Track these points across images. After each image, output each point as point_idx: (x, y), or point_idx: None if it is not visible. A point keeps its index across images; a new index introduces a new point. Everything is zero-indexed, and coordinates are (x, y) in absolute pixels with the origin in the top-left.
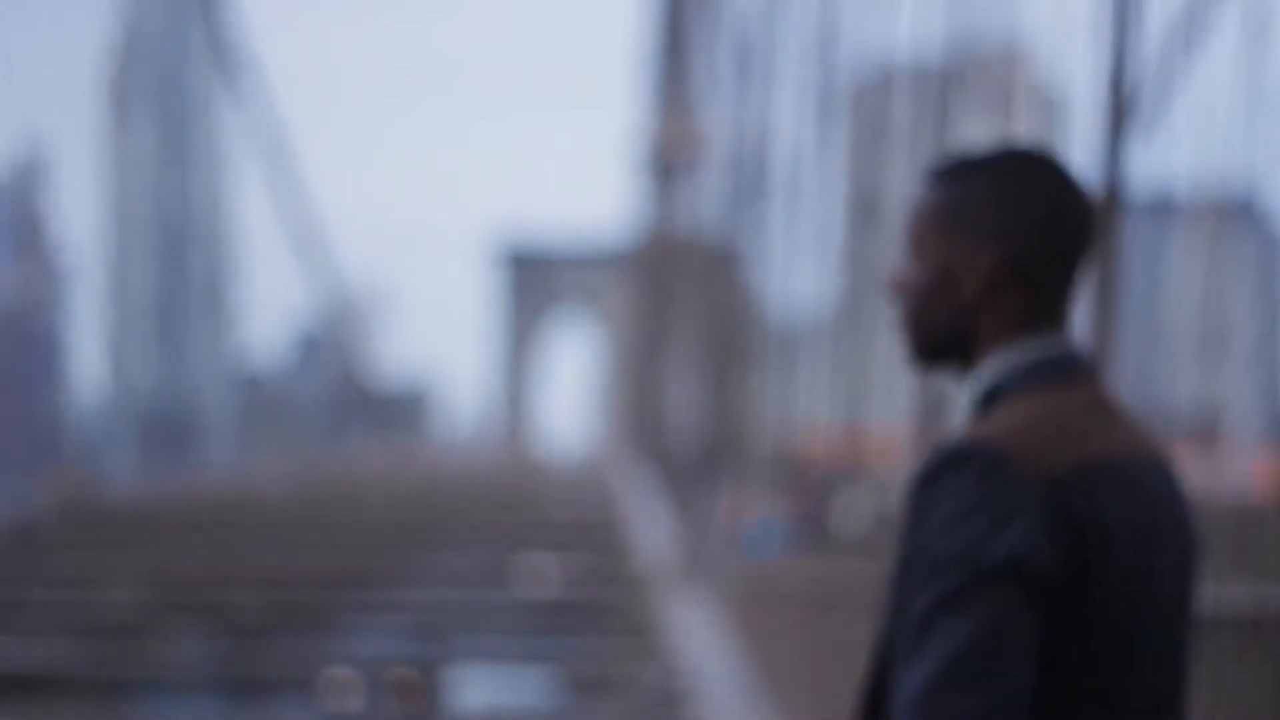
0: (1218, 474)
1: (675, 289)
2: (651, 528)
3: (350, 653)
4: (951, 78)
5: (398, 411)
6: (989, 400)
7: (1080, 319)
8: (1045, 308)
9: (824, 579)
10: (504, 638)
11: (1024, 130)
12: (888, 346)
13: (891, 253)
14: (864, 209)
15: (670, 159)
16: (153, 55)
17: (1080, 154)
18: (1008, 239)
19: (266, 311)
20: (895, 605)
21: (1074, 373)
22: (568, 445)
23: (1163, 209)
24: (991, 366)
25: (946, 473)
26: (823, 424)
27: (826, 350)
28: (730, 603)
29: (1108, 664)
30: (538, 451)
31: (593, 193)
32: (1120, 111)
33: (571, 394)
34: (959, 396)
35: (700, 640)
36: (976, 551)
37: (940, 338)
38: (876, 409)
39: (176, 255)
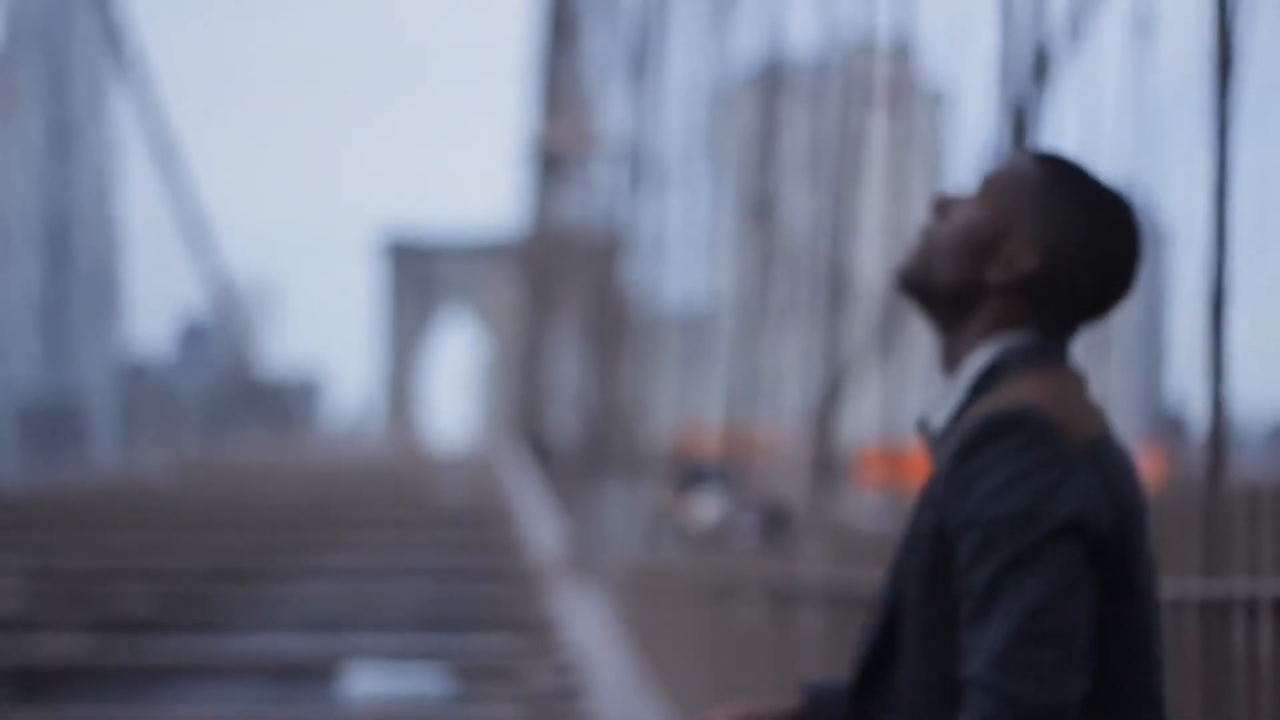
0: None
1: (560, 282)
2: (537, 522)
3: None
4: (844, 74)
5: (283, 404)
6: (988, 374)
7: None
8: (1044, 328)
9: (713, 571)
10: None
11: (915, 124)
12: (779, 344)
13: (782, 251)
14: (756, 204)
15: (557, 153)
16: (39, 44)
17: (970, 148)
18: (1055, 262)
19: (152, 305)
20: (910, 572)
21: (1068, 355)
22: (453, 436)
23: None
24: (991, 347)
25: (996, 438)
26: (705, 419)
27: (715, 345)
28: (617, 595)
29: (1141, 633)
30: (423, 443)
31: (481, 188)
32: (1017, 106)
33: (457, 385)
34: (851, 392)
35: (588, 633)
36: (1040, 509)
37: (940, 285)
38: (764, 406)
39: (61, 247)
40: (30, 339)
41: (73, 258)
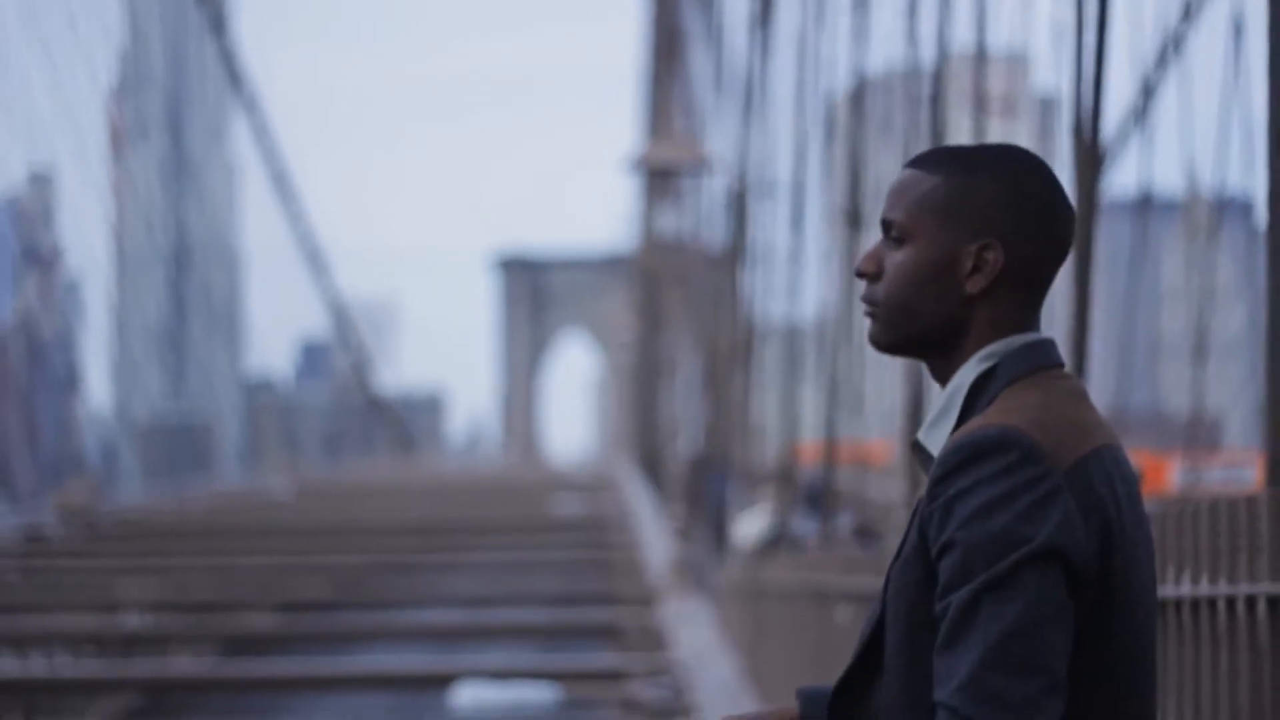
0: (1223, 478)
1: (672, 297)
2: (651, 538)
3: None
4: (939, 82)
5: (403, 422)
6: (978, 387)
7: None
8: (1033, 308)
9: (812, 580)
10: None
11: (1014, 133)
12: (869, 357)
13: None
14: (848, 217)
15: (665, 168)
16: (158, 71)
17: (1062, 159)
18: (1015, 240)
19: (272, 325)
20: (896, 590)
21: (1059, 361)
22: (569, 450)
23: (1149, 208)
24: (980, 359)
25: (978, 460)
26: (809, 433)
27: (815, 360)
28: (727, 607)
29: (1124, 653)
30: (541, 460)
31: (594, 203)
32: (1095, 116)
33: (572, 398)
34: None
35: (698, 646)
36: (1019, 535)
37: (926, 327)
38: (859, 420)
39: (183, 271)
40: (153, 362)
41: (194, 281)
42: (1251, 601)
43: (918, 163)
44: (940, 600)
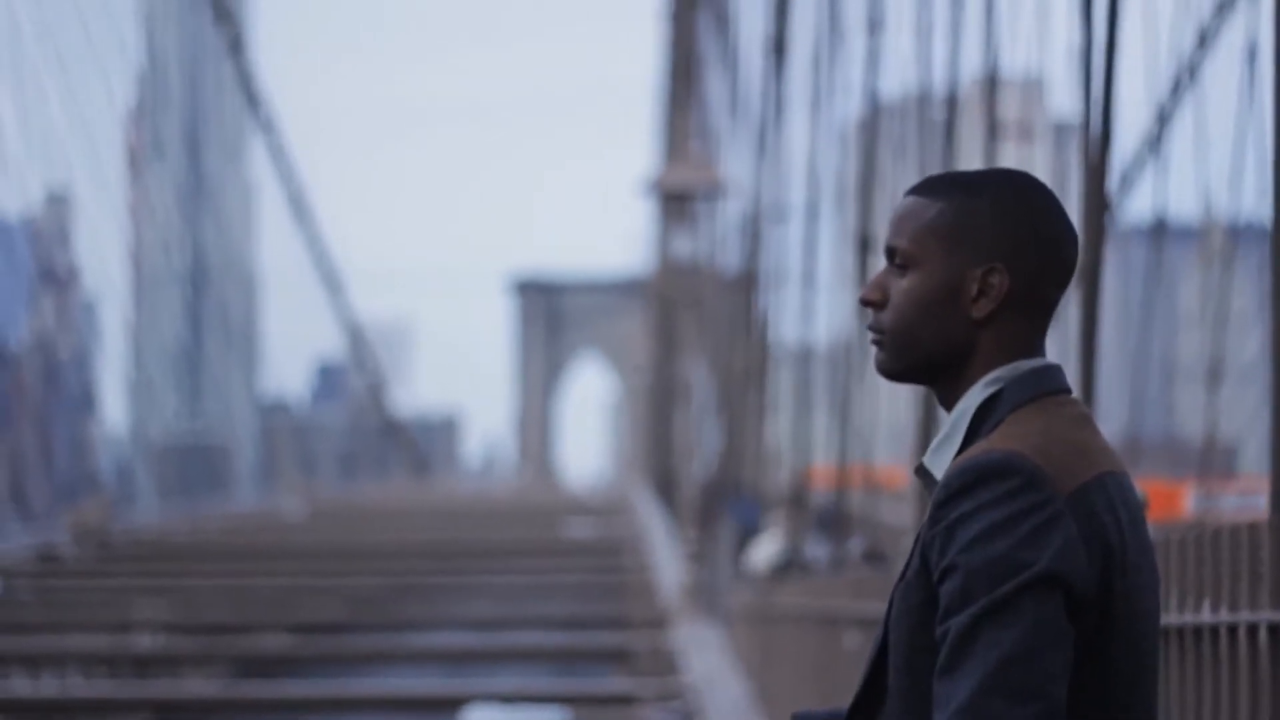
0: (1238, 506)
1: (687, 321)
2: (664, 563)
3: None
4: (953, 110)
5: (418, 443)
6: (984, 411)
7: (1061, 346)
8: (1039, 332)
9: (816, 602)
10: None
11: (1030, 159)
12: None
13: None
14: (859, 242)
15: (681, 192)
16: (176, 92)
17: (1072, 184)
18: (1020, 263)
19: (288, 347)
20: (898, 614)
21: (1065, 387)
22: (584, 473)
23: (1164, 234)
24: (986, 384)
25: (981, 485)
26: (822, 457)
27: (828, 383)
28: (738, 631)
29: (1126, 679)
30: (555, 483)
31: (610, 226)
32: (1105, 139)
33: (587, 421)
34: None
35: (709, 671)
36: (1020, 560)
37: (933, 352)
38: (871, 444)
39: (200, 291)
40: (169, 383)
41: (211, 302)
42: (1253, 629)
43: (920, 189)
44: (941, 624)
